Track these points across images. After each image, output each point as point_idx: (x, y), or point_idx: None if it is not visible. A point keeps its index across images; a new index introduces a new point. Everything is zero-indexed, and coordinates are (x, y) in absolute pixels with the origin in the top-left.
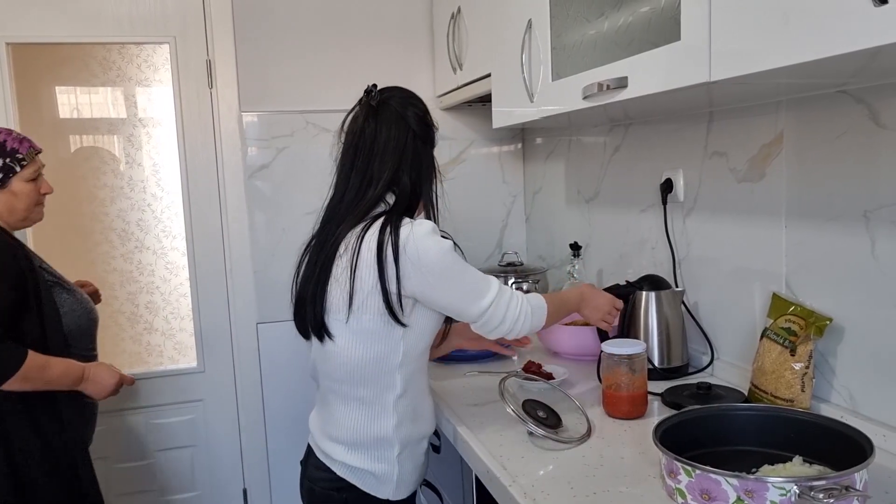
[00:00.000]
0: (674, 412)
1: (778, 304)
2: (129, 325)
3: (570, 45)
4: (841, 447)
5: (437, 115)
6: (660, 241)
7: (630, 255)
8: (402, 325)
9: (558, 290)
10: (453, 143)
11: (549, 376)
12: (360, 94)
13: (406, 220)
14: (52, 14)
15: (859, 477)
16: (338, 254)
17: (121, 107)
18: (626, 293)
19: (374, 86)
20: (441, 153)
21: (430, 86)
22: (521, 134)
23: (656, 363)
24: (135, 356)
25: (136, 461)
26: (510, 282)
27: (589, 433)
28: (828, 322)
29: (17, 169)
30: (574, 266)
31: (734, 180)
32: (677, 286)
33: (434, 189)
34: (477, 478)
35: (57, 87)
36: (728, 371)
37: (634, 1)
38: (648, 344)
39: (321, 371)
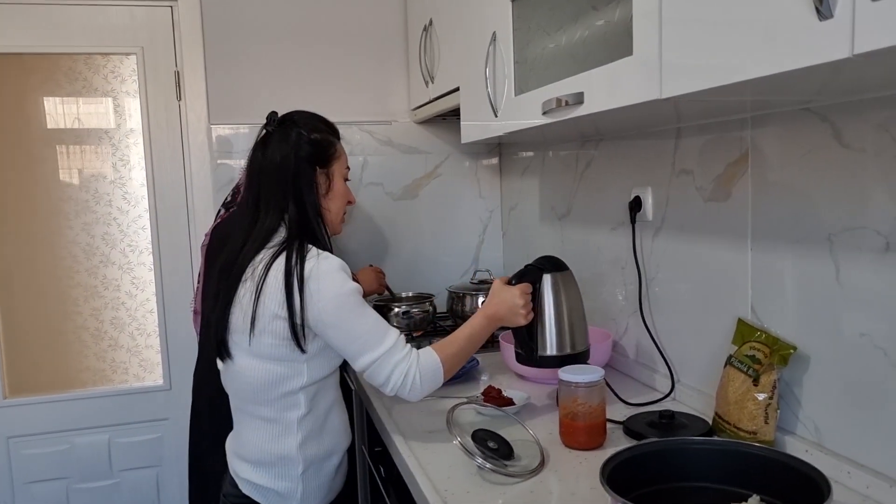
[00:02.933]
0: (634, 442)
1: (743, 330)
2: (94, 342)
3: (532, 59)
4: (800, 486)
5: (411, 128)
6: (630, 261)
7: (604, 274)
8: (304, 351)
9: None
10: (428, 157)
11: (509, 402)
12: (335, 106)
13: (312, 252)
14: (16, 23)
15: None
16: (243, 278)
17: (87, 117)
18: (534, 277)
19: (274, 113)
20: (415, 167)
21: (406, 98)
22: (499, 148)
23: (555, 350)
24: (99, 373)
25: (100, 481)
26: (480, 300)
27: (542, 465)
28: (792, 351)
29: None
30: None
31: (701, 200)
32: (642, 308)
33: (318, 207)
34: None
35: (36, 97)
36: (694, 398)
37: (590, 14)
38: (552, 328)
39: (229, 389)
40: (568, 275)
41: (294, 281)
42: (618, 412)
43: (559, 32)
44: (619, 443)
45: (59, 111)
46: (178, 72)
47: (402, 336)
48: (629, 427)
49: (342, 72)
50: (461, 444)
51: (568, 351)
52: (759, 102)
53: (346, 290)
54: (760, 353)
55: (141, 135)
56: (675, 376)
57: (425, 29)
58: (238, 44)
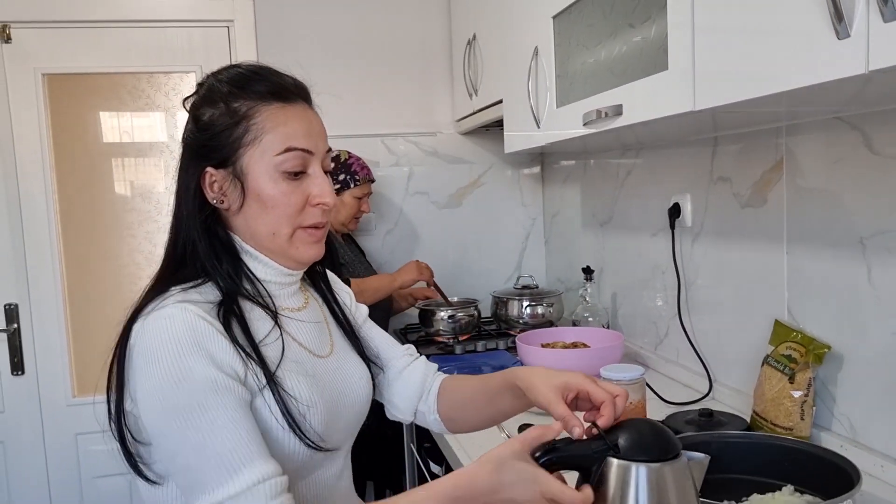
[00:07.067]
0: None
1: (779, 331)
2: None
3: (573, 73)
4: (832, 477)
5: (455, 139)
6: (670, 267)
7: (644, 279)
8: (138, 471)
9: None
10: (472, 167)
11: None
12: (382, 119)
13: (168, 298)
14: (86, 46)
15: None
16: None
17: (154, 131)
18: (590, 462)
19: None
20: (460, 176)
21: (450, 110)
22: (541, 157)
23: None
24: None
25: None
26: (524, 304)
27: None
28: (826, 350)
29: (351, 185)
30: (587, 290)
31: (738, 206)
32: (681, 312)
33: (195, 223)
34: None
35: (101, 113)
36: (732, 397)
37: (627, 31)
38: None
39: None
40: (679, 467)
41: (119, 348)
42: (658, 411)
43: (598, 47)
44: None
45: (134, 125)
46: None
47: (277, 480)
48: (668, 424)
49: (388, 85)
50: (508, 437)
51: None
52: (792, 112)
53: (171, 379)
54: (796, 353)
55: None
56: (711, 376)
57: (469, 43)
58: (289, 59)
